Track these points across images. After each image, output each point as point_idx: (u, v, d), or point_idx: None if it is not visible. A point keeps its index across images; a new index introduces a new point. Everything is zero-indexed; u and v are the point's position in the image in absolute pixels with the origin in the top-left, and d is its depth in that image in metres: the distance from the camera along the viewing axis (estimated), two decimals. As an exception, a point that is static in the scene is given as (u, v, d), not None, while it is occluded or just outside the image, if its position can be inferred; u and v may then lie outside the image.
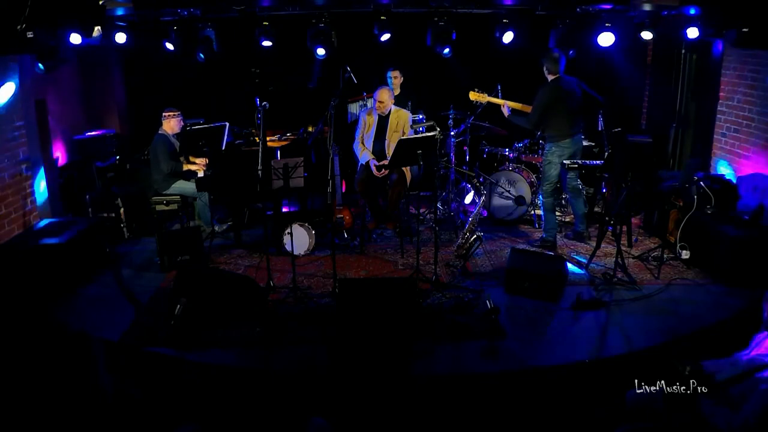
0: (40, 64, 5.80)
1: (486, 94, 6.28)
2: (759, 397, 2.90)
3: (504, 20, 6.50)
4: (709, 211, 5.41)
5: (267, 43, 6.64)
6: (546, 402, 3.77)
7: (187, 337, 4.28)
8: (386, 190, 6.31)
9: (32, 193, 5.81)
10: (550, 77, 5.73)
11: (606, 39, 6.52)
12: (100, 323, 4.58)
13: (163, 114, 6.17)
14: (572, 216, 6.40)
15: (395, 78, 6.81)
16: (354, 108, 7.30)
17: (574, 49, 6.80)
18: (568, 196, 6.25)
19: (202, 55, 6.72)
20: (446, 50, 6.70)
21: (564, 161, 5.72)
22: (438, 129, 6.72)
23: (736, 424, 2.94)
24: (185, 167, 6.23)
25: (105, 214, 6.31)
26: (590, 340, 4.38)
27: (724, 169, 6.28)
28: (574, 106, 5.74)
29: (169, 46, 6.46)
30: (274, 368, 4.07)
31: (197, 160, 6.32)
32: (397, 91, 6.77)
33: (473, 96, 6.32)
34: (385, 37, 6.57)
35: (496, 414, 3.72)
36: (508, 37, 6.58)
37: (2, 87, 5.39)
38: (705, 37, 6.10)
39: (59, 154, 6.64)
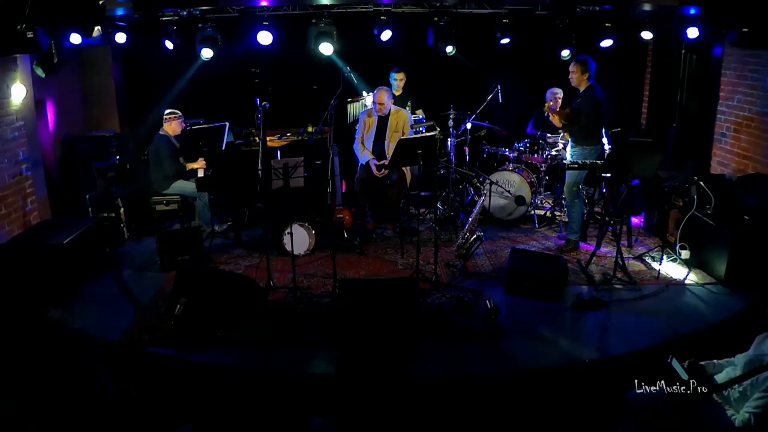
0: (39, 69, 5.52)
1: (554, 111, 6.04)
2: (759, 398, 2.90)
3: (504, 20, 6.49)
4: (709, 211, 5.41)
5: (267, 41, 6.52)
6: (546, 402, 3.77)
7: (187, 337, 4.28)
8: (386, 190, 6.31)
9: (32, 193, 5.80)
10: (586, 84, 5.68)
11: (605, 40, 6.52)
12: (100, 323, 4.58)
13: (164, 116, 6.17)
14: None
15: (399, 80, 6.76)
16: (354, 108, 7.29)
17: (572, 48, 6.79)
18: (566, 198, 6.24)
19: (209, 53, 6.46)
20: (447, 49, 6.68)
21: (564, 161, 5.72)
22: (438, 129, 6.72)
23: (736, 425, 2.94)
24: (188, 166, 6.24)
25: (105, 214, 6.31)
26: (590, 340, 4.39)
27: (723, 169, 6.28)
28: (606, 113, 5.76)
29: (169, 45, 6.43)
30: (275, 368, 4.07)
31: (195, 163, 6.32)
32: (399, 92, 6.76)
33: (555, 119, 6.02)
34: (386, 36, 6.55)
35: (496, 414, 3.72)
36: (504, 39, 6.56)
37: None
38: (705, 37, 6.09)
39: (59, 154, 6.64)
